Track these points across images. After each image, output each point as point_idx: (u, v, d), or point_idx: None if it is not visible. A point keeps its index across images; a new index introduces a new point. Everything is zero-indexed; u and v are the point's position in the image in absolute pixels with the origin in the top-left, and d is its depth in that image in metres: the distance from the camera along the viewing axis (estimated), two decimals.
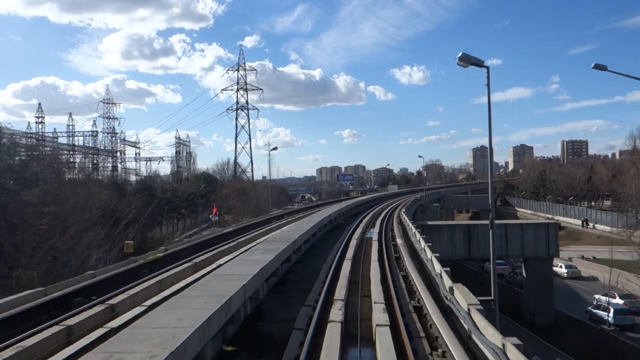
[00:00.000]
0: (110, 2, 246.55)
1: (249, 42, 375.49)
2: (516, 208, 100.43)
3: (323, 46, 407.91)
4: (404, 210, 39.63)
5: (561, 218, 77.90)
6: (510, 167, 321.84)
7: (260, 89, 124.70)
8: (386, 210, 46.00)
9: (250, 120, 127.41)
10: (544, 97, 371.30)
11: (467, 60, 17.87)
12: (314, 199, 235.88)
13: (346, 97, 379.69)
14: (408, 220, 29.09)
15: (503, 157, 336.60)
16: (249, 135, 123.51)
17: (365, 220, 34.69)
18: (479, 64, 18.03)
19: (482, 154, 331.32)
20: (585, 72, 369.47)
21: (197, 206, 77.41)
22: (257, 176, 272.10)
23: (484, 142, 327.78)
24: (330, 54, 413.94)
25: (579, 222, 72.53)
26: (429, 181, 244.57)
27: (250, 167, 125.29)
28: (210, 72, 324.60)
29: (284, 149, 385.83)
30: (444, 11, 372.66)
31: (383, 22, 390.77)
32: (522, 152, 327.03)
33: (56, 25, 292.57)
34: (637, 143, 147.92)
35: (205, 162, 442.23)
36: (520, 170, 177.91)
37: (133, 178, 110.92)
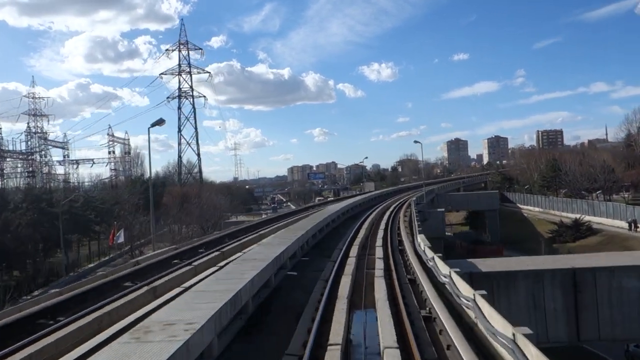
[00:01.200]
0: (70, 5, 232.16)
1: (216, 42, 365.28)
2: (519, 205, 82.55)
3: (291, 45, 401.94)
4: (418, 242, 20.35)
5: (592, 219, 60.13)
6: (485, 159, 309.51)
7: (208, 72, 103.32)
8: (386, 226, 27.19)
9: (212, 112, 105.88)
10: (511, 91, 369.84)
11: None
12: (284, 199, 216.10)
13: (316, 96, 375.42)
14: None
15: (474, 150, 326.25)
16: (195, 128, 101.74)
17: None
18: None
19: (457, 147, 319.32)
20: (550, 65, 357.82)
21: (114, 219, 56.64)
22: (228, 178, 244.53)
23: (455, 136, 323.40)
24: (299, 53, 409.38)
25: (619, 223, 54.84)
26: (405, 177, 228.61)
27: (197, 167, 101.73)
28: (176, 73, 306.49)
29: (255, 150, 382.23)
30: (411, 7, 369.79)
31: (351, 20, 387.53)
32: (496, 143, 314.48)
33: (16, 29, 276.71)
34: (631, 129, 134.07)
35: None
36: (510, 161, 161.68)
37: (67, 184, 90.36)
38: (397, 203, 48.44)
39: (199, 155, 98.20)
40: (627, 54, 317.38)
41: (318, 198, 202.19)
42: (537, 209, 79.70)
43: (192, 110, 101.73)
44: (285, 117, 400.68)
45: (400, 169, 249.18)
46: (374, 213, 39.99)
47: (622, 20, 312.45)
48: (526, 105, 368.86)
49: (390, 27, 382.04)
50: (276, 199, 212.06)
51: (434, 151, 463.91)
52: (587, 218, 60.90)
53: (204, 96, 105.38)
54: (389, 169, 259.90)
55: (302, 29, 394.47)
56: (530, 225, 71.26)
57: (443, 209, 53.02)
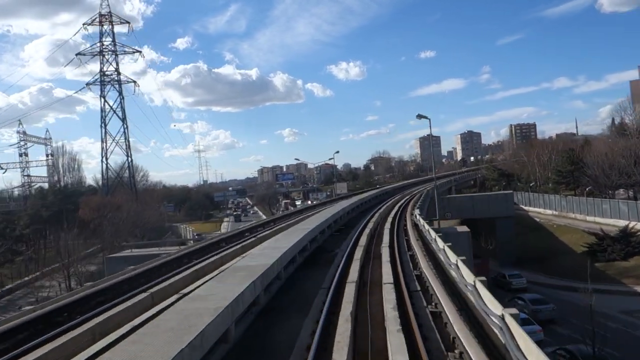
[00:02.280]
0: (29, 7, 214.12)
1: (181, 44, 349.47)
2: (524, 207, 66.72)
3: (258, 45, 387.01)
4: None
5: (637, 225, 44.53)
6: (459, 154, 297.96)
7: (139, 51, 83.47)
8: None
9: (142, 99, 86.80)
10: (477, 87, 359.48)
11: None
12: (249, 204, 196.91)
13: (285, 96, 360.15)
14: None
15: (445, 146, 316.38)
16: (123, 122, 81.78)
17: None
18: None
19: (429, 143, 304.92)
20: (514, 61, 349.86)
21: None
22: (196, 181, 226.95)
23: (424, 133, 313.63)
24: (266, 53, 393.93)
25: None
26: (378, 175, 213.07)
27: (128, 171, 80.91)
28: (143, 76, 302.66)
29: (225, 152, 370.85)
30: (377, 6, 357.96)
31: (317, 19, 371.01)
32: (469, 139, 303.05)
33: None
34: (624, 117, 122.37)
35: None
36: (499, 156, 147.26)
37: None
38: (395, 218, 31.80)
39: (128, 155, 77.97)
40: (588, 49, 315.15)
41: (285, 201, 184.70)
42: (548, 211, 63.96)
43: (120, 99, 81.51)
44: (255, 118, 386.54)
45: (372, 167, 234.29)
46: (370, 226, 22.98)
47: (582, 16, 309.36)
48: (492, 101, 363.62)
49: (357, 26, 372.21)
50: (241, 203, 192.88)
51: (403, 149, 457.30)
52: (633, 225, 45.24)
53: (134, 81, 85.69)
54: (361, 168, 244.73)
55: (269, 29, 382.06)
56: (549, 235, 55.30)
57: (467, 230, 36.19)
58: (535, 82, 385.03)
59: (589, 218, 55.64)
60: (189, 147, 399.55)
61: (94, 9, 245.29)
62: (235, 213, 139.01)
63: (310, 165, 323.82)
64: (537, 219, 61.74)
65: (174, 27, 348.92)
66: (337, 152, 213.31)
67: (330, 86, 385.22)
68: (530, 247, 52.90)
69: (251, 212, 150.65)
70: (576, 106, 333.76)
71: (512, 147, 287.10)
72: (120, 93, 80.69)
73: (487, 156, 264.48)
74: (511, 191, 61.37)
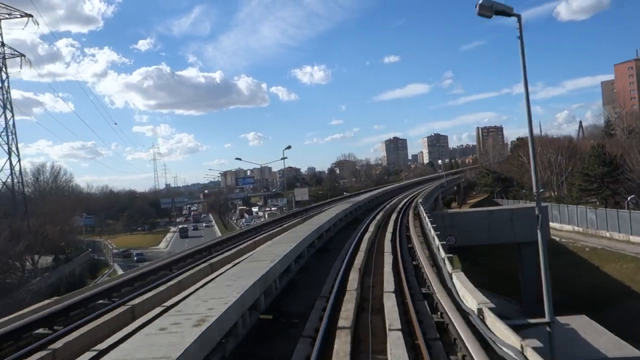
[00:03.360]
0: None
1: (143, 45, 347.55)
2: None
3: (223, 48, 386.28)
4: None
5: None
6: (426, 158, 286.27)
7: (29, 15, 63.12)
8: None
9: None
10: (440, 92, 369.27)
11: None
12: (203, 213, 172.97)
13: (249, 99, 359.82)
14: None
15: (412, 150, 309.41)
16: (4, 111, 61.09)
17: None
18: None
19: (395, 146, 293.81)
20: (476, 67, 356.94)
21: None
22: (159, 185, 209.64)
23: (389, 137, 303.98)
24: (231, 56, 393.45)
25: None
26: (343, 179, 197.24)
27: (11, 175, 59.53)
28: (103, 78, 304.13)
29: (188, 155, 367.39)
30: (343, 10, 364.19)
31: (283, 23, 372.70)
32: (436, 141, 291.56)
33: None
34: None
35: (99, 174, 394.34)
36: (467, 159, 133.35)
37: None
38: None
39: (9, 152, 57.36)
40: (546, 56, 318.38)
41: (241, 208, 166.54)
42: (568, 227, 48.66)
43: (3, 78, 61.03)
44: (219, 121, 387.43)
45: (338, 171, 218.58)
46: None
47: (541, 24, 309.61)
48: (455, 106, 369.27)
49: (322, 30, 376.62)
50: (195, 211, 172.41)
51: (368, 152, 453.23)
52: None
53: (22, 55, 65.55)
54: (326, 171, 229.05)
55: (234, 32, 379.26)
56: (582, 263, 39.83)
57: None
58: (496, 88, 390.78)
59: (634, 238, 40.41)
60: (152, 150, 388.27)
61: (52, 8, 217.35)
62: (181, 227, 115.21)
63: (274, 169, 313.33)
64: (556, 238, 46.13)
65: (137, 28, 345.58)
66: (289, 147, 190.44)
67: (295, 90, 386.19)
68: (561, 281, 37.02)
69: (204, 224, 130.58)
70: (535, 111, 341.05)
71: (479, 150, 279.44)
72: (5, 70, 60.88)
73: (458, 159, 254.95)
74: (546, 204, 45.39)
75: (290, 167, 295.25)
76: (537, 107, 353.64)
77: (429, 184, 73.88)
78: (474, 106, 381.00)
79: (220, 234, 77.67)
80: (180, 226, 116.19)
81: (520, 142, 68.97)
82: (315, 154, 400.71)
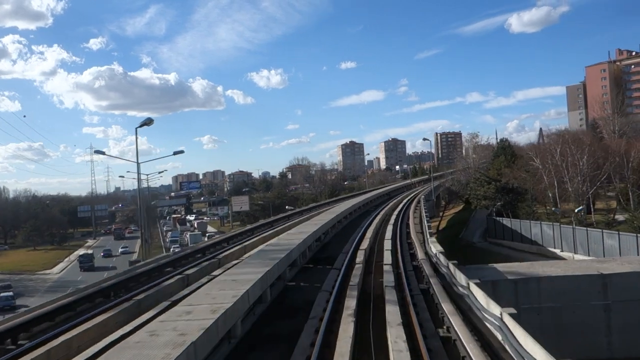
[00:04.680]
0: None
1: (95, 44, 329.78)
2: (557, 252, 33.76)
3: (178, 50, 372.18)
4: None
5: None
6: (383, 163, 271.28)
7: None
8: None
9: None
10: (395, 99, 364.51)
11: None
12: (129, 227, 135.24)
13: (204, 102, 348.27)
14: None
15: (369, 155, 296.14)
16: None
17: None
18: None
19: (352, 151, 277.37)
20: (431, 75, 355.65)
21: None
22: (110, 189, 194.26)
23: (344, 142, 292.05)
24: (187, 58, 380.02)
25: None
26: (296, 184, 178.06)
27: None
28: (52, 76, 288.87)
29: (140, 158, 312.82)
30: (300, 15, 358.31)
31: (240, 26, 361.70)
32: (394, 146, 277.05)
33: None
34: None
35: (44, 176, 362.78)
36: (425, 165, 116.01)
37: None
38: None
39: None
40: (497, 66, 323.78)
41: (175, 216, 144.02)
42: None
43: None
44: (173, 124, 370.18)
45: (290, 176, 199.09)
46: None
47: (493, 35, 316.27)
48: (410, 113, 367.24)
49: (279, 34, 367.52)
50: (117, 225, 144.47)
51: (323, 158, 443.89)
52: None
53: None
54: (277, 176, 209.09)
55: (190, 34, 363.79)
56: None
57: None
58: (449, 96, 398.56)
59: None
60: (89, 151, 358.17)
61: None
62: (83, 254, 78.02)
63: (227, 173, 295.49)
64: None
65: (88, 26, 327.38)
66: (182, 151, 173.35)
67: (252, 94, 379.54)
68: None
69: (121, 248, 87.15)
70: (486, 120, 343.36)
71: (438, 155, 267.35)
72: None
73: (425, 165, 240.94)
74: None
75: (241, 171, 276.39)
76: (488, 115, 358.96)
77: (405, 194, 56.15)
78: (428, 114, 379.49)
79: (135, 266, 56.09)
80: (82, 252, 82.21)
81: (530, 146, 51.98)
82: (271, 159, 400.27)
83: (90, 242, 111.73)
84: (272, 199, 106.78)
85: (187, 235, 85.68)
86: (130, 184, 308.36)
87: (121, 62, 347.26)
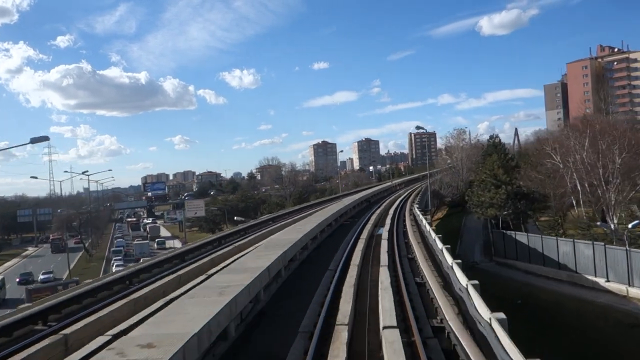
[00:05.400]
0: None
1: (63, 42, 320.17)
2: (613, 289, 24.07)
3: (149, 48, 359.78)
4: None
5: None
6: (357, 164, 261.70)
7: None
8: None
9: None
10: (368, 100, 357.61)
11: None
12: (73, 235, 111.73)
13: (176, 102, 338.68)
14: None
15: (341, 155, 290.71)
16: None
17: None
18: None
19: (324, 151, 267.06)
20: (403, 77, 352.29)
21: None
22: (77, 189, 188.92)
23: (316, 142, 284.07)
24: (158, 57, 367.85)
25: None
26: (266, 185, 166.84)
27: None
28: (18, 74, 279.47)
29: (110, 158, 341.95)
30: (273, 15, 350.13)
31: (211, 25, 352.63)
32: (367, 147, 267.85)
33: None
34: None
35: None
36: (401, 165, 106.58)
37: None
38: None
39: None
40: (468, 68, 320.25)
41: (130, 220, 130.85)
42: None
43: None
44: (144, 123, 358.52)
45: (259, 177, 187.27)
46: None
47: (465, 37, 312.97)
48: (382, 114, 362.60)
49: (252, 34, 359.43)
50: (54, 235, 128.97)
51: (295, 159, 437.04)
52: None
53: None
54: (245, 177, 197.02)
55: (161, 32, 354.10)
56: None
57: None
58: (422, 98, 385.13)
59: None
60: (71, 152, 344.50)
61: None
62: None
63: (197, 173, 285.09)
64: None
65: (56, 23, 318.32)
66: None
67: (224, 93, 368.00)
68: None
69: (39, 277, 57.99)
70: (458, 122, 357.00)
71: (412, 155, 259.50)
72: None
73: (401, 164, 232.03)
74: None
75: (210, 172, 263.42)
76: (460, 117, 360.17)
77: (388, 200, 45.48)
78: (400, 115, 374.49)
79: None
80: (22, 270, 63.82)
81: (545, 133, 42.00)
82: (243, 159, 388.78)
83: (30, 249, 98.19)
84: (235, 202, 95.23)
85: (134, 244, 73.86)
86: (100, 184, 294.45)
87: (90, 60, 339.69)
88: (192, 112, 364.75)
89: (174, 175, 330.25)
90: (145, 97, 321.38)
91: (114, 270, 59.11)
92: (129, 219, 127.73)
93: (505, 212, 35.00)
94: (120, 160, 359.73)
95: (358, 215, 37.08)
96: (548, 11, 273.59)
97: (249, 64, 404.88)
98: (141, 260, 30.43)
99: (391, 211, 35.89)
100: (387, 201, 48.96)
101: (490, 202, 36.46)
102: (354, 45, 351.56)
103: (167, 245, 79.71)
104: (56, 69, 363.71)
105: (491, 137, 68.03)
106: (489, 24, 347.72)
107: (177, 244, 73.75)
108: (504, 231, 34.69)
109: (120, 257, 65.74)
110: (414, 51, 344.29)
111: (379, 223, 29.98)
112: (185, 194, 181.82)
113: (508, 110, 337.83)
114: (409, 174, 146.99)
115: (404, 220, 31.20)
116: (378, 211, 37.21)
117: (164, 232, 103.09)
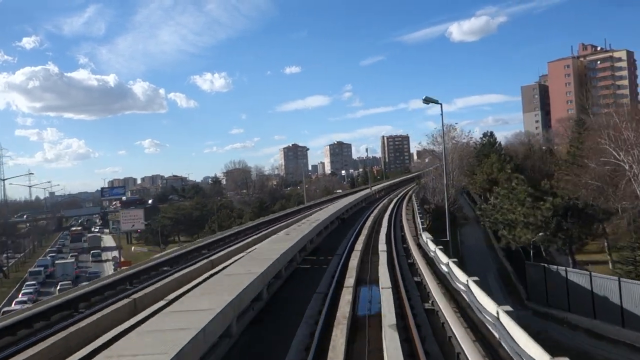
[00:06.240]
0: None
1: (29, 43, 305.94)
2: None
3: (119, 51, 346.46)
4: None
5: None
6: (328, 167, 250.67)
7: None
8: None
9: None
10: (339, 105, 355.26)
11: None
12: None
13: (146, 105, 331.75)
14: None
15: (312, 160, 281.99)
16: None
17: None
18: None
19: (295, 154, 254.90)
20: (375, 82, 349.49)
21: None
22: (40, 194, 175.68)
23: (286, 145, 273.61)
24: (128, 60, 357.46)
25: None
26: (231, 190, 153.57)
27: None
28: None
29: (78, 162, 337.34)
30: (245, 19, 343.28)
31: (183, 28, 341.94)
32: (339, 150, 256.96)
33: None
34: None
35: None
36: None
37: None
38: None
39: None
40: (438, 73, 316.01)
41: (72, 229, 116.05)
42: None
43: None
44: (113, 127, 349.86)
45: (224, 181, 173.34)
46: None
47: (435, 43, 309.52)
48: (354, 119, 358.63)
49: (223, 38, 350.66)
50: None
51: (267, 163, 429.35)
52: None
53: None
54: (209, 182, 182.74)
55: (131, 35, 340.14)
56: None
57: None
58: (393, 103, 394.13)
59: None
60: (37, 155, 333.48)
61: None
62: None
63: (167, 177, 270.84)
64: None
65: (21, 24, 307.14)
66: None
67: (195, 97, 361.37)
68: None
69: None
70: (428, 126, 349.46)
71: (385, 159, 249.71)
72: None
73: (375, 168, 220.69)
74: None
75: (175, 176, 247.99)
76: (431, 122, 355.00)
77: (369, 215, 33.36)
78: (372, 119, 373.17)
79: None
80: None
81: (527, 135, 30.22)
82: (215, 163, 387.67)
83: None
84: (189, 210, 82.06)
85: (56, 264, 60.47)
86: (62, 190, 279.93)
87: (57, 62, 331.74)
88: (163, 115, 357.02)
89: (142, 179, 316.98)
90: (115, 100, 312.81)
91: (19, 299, 45.60)
92: (72, 229, 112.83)
93: (547, 235, 23.41)
94: (88, 164, 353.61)
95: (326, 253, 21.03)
96: (516, 18, 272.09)
97: (221, 68, 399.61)
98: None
99: (384, 251, 19.20)
100: (370, 219, 35.25)
101: (525, 221, 24.74)
102: (326, 50, 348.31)
103: (104, 258, 71.14)
104: (21, 71, 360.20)
105: (485, 135, 57.55)
106: (459, 30, 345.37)
107: (115, 254, 62.10)
108: (546, 265, 22.94)
109: (34, 283, 52.23)
110: (385, 56, 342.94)
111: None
112: (143, 203, 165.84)
113: (477, 115, 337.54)
114: (385, 179, 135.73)
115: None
116: (360, 236, 23.52)
117: (109, 243, 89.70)
